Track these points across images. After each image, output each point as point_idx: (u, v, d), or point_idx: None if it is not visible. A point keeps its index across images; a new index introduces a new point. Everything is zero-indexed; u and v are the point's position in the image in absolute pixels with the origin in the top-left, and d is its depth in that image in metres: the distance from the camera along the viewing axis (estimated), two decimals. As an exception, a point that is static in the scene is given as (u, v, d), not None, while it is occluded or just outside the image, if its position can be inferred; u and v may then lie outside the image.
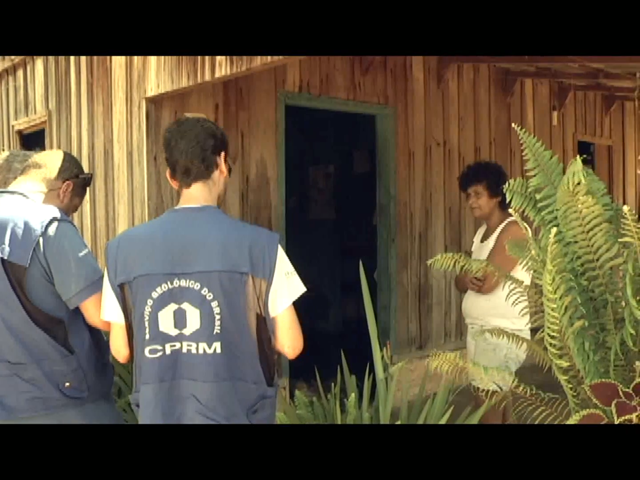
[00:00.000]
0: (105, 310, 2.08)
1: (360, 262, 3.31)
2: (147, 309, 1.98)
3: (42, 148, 5.45)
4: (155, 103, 4.13)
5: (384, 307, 5.44)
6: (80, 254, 2.17)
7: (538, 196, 2.50)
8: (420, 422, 2.99)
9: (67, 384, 2.19)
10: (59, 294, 2.16)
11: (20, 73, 6.18)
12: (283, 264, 2.02)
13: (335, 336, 6.89)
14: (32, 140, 5.75)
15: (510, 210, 2.47)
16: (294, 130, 5.20)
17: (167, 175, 2.13)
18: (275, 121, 4.74)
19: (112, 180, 4.60)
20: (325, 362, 3.75)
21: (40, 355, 2.16)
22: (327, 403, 3.11)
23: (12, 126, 6.37)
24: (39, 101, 5.79)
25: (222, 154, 2.11)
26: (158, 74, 3.91)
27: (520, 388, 2.48)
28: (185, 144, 2.03)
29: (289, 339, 2.06)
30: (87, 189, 2.56)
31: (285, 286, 2.01)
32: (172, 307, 1.97)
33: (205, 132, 2.06)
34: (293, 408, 3.01)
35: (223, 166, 2.12)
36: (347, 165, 7.69)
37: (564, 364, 2.32)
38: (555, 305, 2.22)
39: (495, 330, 2.95)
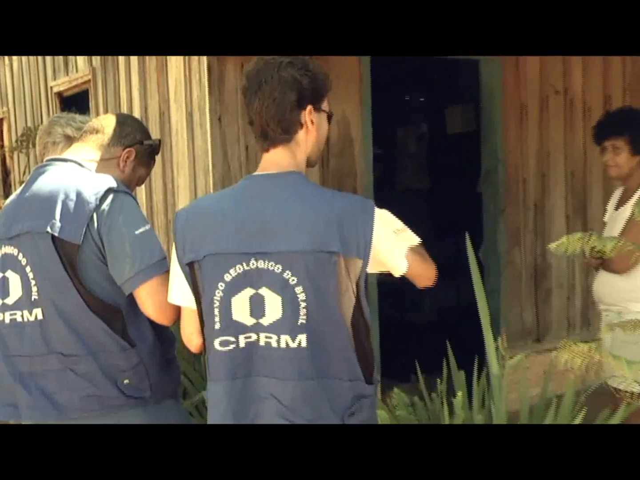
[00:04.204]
0: (173, 293, 2.09)
1: (467, 237, 3.26)
2: (218, 294, 1.98)
3: (86, 113, 5.57)
4: (218, 54, 4.17)
5: (491, 292, 5.33)
6: (137, 232, 2.18)
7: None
8: (545, 428, 2.95)
9: (126, 380, 2.22)
10: (113, 277, 2.19)
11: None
12: (386, 228, 2.00)
13: (431, 327, 6.86)
14: (74, 103, 5.85)
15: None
16: (381, 83, 5.15)
17: None
18: (359, 73, 4.70)
19: (170, 148, 4.67)
20: (421, 357, 3.74)
21: (96, 347, 2.20)
22: (431, 403, 3.10)
23: (51, 88, 6.48)
24: (81, 57, 5.90)
25: (309, 107, 2.03)
26: (221, 19, 3.93)
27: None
28: (260, 102, 1.99)
29: (421, 282, 2.16)
30: (155, 158, 2.56)
31: (395, 255, 2.02)
32: (248, 292, 1.96)
33: (285, 84, 1.99)
34: (391, 409, 3.02)
35: (310, 124, 2.04)
36: (443, 124, 7.60)
37: None
38: None
39: (634, 322, 2.85)
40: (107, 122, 2.44)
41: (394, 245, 2.01)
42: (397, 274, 2.06)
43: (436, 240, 7.36)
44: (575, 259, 5.45)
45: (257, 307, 1.96)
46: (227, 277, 1.97)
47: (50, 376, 2.22)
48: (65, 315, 2.18)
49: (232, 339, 1.99)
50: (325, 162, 4.56)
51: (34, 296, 2.21)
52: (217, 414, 2.03)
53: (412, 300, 7.23)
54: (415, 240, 2.07)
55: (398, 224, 2.04)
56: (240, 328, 1.98)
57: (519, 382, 3.33)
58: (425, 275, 2.14)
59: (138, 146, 2.44)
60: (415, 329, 6.69)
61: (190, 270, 2.01)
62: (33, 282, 2.21)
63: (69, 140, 2.56)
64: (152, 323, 2.26)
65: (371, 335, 2.05)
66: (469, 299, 3.51)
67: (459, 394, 2.94)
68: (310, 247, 1.92)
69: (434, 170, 7.75)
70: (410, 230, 2.07)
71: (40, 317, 2.21)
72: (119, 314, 2.22)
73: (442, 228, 7.33)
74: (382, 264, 2.03)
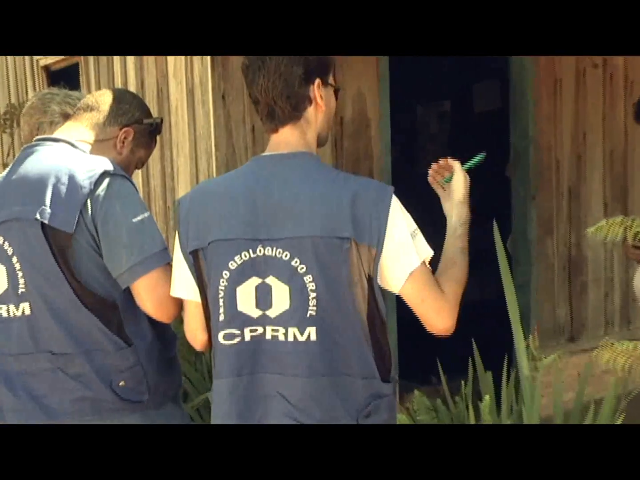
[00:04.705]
0: (176, 285, 2.10)
1: (495, 225, 3.26)
2: (223, 283, 1.99)
3: (76, 89, 5.55)
4: (221, 25, 4.16)
5: (521, 285, 5.31)
6: (136, 220, 2.18)
7: None
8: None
9: (122, 382, 2.22)
10: (109, 269, 2.19)
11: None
12: (400, 224, 1.98)
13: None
14: (63, 78, 5.80)
15: None
16: (400, 57, 5.12)
17: None
18: (376, 44, 4.69)
19: (169, 128, 4.67)
20: (443, 357, 3.73)
21: (89, 345, 2.20)
22: (455, 407, 3.10)
23: (37, 61, 6.46)
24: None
25: (318, 81, 2.05)
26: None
27: None
28: (265, 79, 2.01)
29: (427, 318, 2.01)
30: (156, 138, 2.54)
31: (406, 251, 1.97)
32: (254, 281, 1.98)
33: (290, 57, 2.02)
34: (412, 413, 3.02)
35: (319, 99, 2.06)
36: (469, 101, 7.57)
37: None
38: None
39: None
40: (102, 99, 2.42)
41: (401, 250, 1.97)
42: (393, 287, 2.00)
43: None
44: (613, 249, 5.42)
45: (263, 297, 1.98)
46: (232, 265, 1.98)
47: (38, 377, 2.22)
48: (55, 310, 2.18)
49: (237, 331, 2.00)
50: (339, 144, 4.55)
51: (21, 289, 2.21)
52: (221, 414, 2.04)
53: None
54: (427, 251, 2.02)
55: (412, 225, 2.01)
56: (246, 320, 2.00)
57: (551, 385, 3.32)
58: (426, 315, 2.02)
59: (137, 125, 2.43)
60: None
61: (195, 260, 2.03)
62: (20, 274, 2.21)
63: (67, 119, 2.54)
64: (151, 320, 2.26)
65: (388, 331, 2.04)
66: (496, 293, 3.50)
67: (486, 397, 2.94)
68: (321, 232, 1.93)
69: (458, 153, 7.71)
70: (422, 237, 2.02)
71: (27, 312, 2.21)
72: (115, 309, 2.22)
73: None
74: (385, 269, 1.98)
